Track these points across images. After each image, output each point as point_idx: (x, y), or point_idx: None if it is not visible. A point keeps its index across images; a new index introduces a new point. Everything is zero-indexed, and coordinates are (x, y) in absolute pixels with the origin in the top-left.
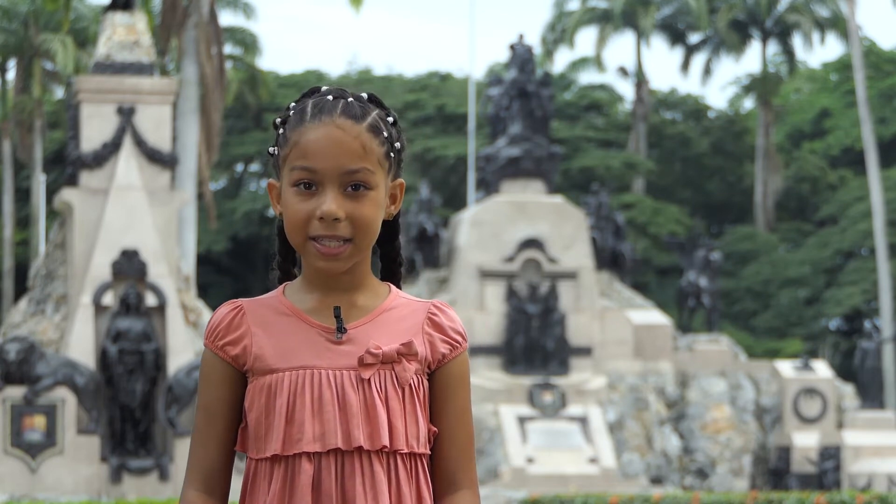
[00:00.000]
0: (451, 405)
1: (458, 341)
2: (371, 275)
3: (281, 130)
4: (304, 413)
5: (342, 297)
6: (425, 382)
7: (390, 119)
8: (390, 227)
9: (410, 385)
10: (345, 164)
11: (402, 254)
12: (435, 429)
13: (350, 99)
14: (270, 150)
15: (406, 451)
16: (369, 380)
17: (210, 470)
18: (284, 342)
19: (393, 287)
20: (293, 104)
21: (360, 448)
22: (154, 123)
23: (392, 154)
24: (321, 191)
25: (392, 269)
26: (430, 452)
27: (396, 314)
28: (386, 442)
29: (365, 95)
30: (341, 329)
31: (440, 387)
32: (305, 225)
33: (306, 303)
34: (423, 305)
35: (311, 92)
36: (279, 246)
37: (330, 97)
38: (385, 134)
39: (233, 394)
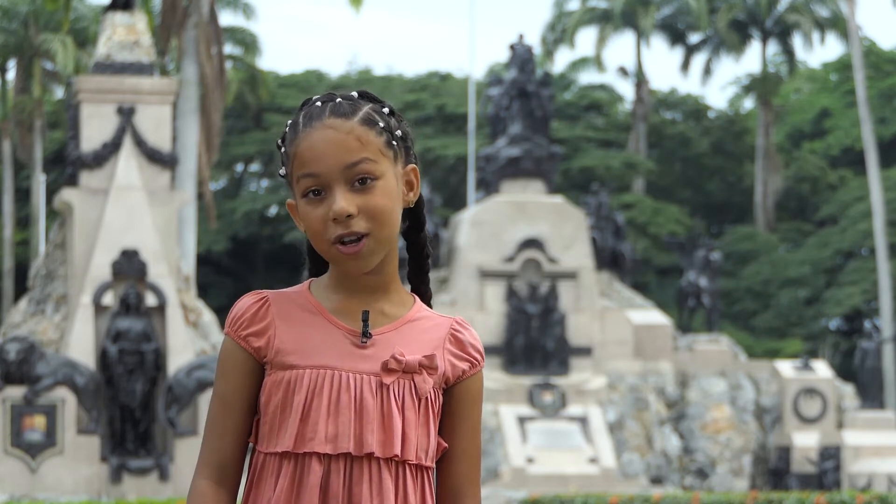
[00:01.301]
0: (465, 422)
1: (477, 359)
2: (398, 281)
3: (283, 150)
4: (320, 413)
5: (368, 300)
6: (440, 397)
7: (385, 110)
8: (415, 216)
9: (427, 398)
10: (343, 160)
11: (429, 246)
12: (445, 444)
13: (338, 100)
14: (280, 172)
15: (414, 462)
16: (388, 387)
17: (223, 460)
18: (307, 339)
19: (417, 299)
20: (289, 122)
21: (370, 454)
22: (154, 123)
23: (394, 142)
24: (329, 193)
25: (420, 262)
26: (434, 467)
27: (420, 326)
28: (398, 451)
29: (355, 93)
30: (367, 333)
31: (456, 403)
32: (323, 230)
33: (332, 302)
34: (447, 321)
35: (303, 104)
36: (310, 265)
37: (319, 103)
38: (381, 124)
39: (251, 385)
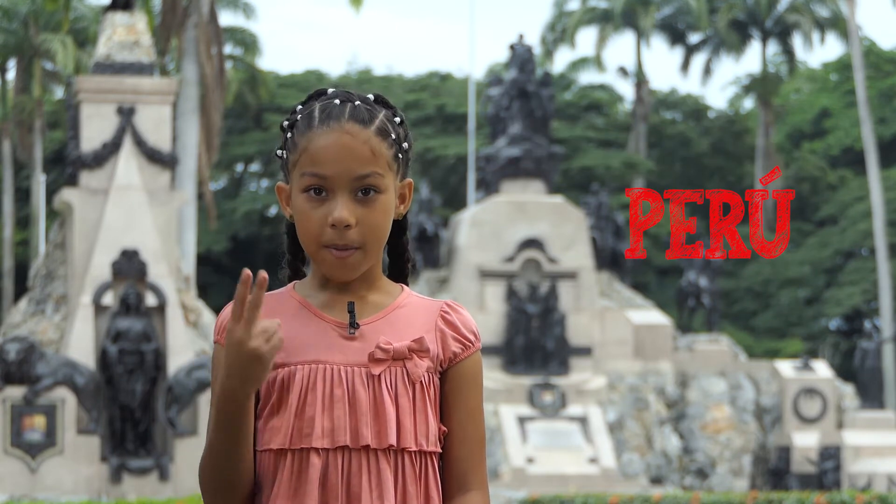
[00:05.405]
0: (463, 405)
1: (470, 340)
2: (382, 275)
3: (289, 134)
4: (315, 408)
5: (354, 295)
6: (436, 381)
7: (397, 119)
8: (398, 226)
9: (421, 382)
10: (354, 170)
11: (410, 251)
12: (444, 428)
13: (357, 102)
14: (278, 152)
15: (414, 448)
16: (379, 376)
17: None
18: (296, 336)
19: (405, 287)
20: (299, 107)
21: (367, 446)
22: (154, 123)
23: (400, 155)
24: (331, 197)
25: (400, 267)
26: (440, 451)
27: (408, 312)
28: (393, 441)
29: (371, 96)
30: (354, 324)
31: (452, 386)
32: (319, 233)
33: (317, 299)
34: (436, 304)
35: (316, 94)
36: (288, 244)
37: (337, 101)
38: (393, 136)
39: None
